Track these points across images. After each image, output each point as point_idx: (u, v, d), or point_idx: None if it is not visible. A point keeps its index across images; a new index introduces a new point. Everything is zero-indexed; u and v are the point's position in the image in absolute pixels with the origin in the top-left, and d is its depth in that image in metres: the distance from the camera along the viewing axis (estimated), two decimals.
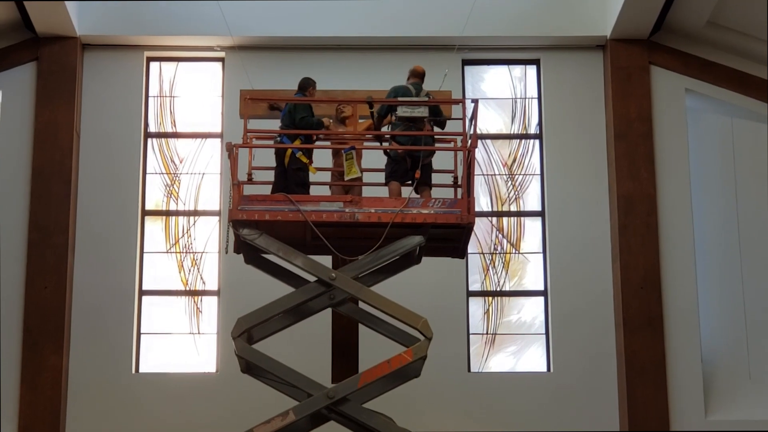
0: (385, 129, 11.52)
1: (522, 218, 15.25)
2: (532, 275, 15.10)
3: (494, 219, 15.22)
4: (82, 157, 14.94)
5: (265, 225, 10.91)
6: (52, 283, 14.31)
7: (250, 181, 11.25)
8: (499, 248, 15.15)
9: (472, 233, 11.55)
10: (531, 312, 15.01)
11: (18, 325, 14.24)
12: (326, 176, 11.84)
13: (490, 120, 15.47)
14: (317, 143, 11.67)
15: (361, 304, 11.47)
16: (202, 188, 15.28)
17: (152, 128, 15.40)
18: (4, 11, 14.51)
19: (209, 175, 15.28)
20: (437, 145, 11.54)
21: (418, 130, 11.25)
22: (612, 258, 14.74)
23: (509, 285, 15.08)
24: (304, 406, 10.70)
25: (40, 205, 14.51)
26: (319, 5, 15.03)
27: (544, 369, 14.74)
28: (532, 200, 15.29)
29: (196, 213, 15.22)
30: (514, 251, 15.15)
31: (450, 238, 11.50)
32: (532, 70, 15.62)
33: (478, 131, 11.72)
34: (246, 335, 10.87)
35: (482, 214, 14.99)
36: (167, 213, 15.20)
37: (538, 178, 15.29)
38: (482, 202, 15.15)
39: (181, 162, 15.37)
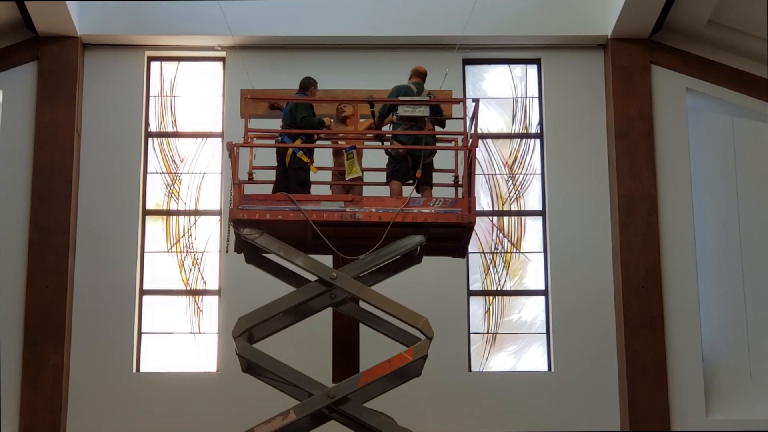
0: (386, 128, 11.53)
1: (523, 218, 15.25)
2: (533, 275, 15.09)
3: (495, 218, 15.21)
4: (82, 156, 14.94)
5: (266, 224, 10.91)
6: (53, 283, 14.31)
7: (250, 180, 11.27)
8: (499, 248, 15.14)
9: (473, 233, 11.53)
10: (532, 311, 15.00)
11: (18, 325, 14.24)
12: (327, 176, 11.84)
13: (490, 119, 15.47)
14: (318, 143, 11.67)
15: (362, 304, 11.46)
16: (202, 188, 15.28)
17: (153, 128, 15.40)
18: (4, 11, 14.51)
19: (210, 175, 15.28)
20: (438, 144, 11.53)
21: (419, 130, 11.25)
22: (613, 257, 14.73)
23: (510, 284, 15.07)
24: (305, 406, 10.69)
25: (41, 205, 14.51)
26: (319, 5, 15.02)
27: (545, 368, 14.74)
28: (532, 200, 15.28)
29: (196, 212, 15.21)
30: (514, 251, 15.14)
31: (451, 237, 11.49)
32: (532, 69, 15.61)
33: (479, 131, 11.72)
34: (247, 334, 10.86)
35: (483, 213, 14.99)
36: (168, 212, 15.19)
37: (539, 177, 15.28)
38: (483, 201, 15.15)
39: (181, 161, 15.36)
